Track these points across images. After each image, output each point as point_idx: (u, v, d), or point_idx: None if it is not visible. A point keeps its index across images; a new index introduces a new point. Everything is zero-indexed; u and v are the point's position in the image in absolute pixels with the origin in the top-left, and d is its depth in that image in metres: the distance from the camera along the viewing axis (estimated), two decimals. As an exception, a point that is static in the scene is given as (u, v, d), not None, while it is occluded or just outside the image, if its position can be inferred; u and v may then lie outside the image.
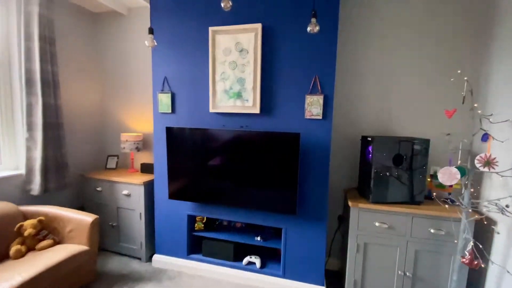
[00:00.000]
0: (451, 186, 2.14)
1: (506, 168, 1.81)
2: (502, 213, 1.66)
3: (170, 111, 2.65)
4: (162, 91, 2.66)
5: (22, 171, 2.63)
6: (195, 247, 2.84)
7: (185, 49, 2.55)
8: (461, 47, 2.33)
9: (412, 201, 2.16)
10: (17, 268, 1.95)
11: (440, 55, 2.39)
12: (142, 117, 3.35)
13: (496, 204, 1.69)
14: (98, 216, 2.44)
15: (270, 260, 2.72)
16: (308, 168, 2.36)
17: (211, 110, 2.50)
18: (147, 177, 2.93)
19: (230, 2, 1.55)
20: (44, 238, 2.31)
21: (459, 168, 1.76)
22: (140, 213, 2.86)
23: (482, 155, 1.70)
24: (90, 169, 3.43)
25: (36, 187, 2.61)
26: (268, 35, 2.32)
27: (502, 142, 1.80)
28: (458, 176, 1.74)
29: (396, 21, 2.48)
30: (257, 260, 2.62)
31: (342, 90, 2.67)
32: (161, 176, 2.77)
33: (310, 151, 2.34)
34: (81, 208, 3.02)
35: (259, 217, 2.54)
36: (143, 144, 3.26)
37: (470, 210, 1.77)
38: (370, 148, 2.20)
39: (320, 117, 2.26)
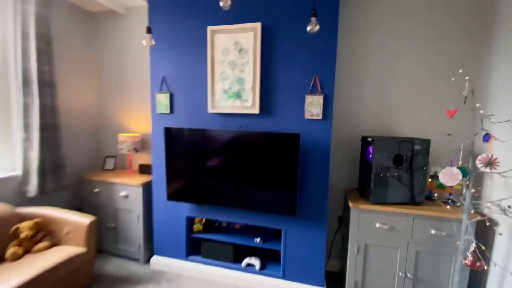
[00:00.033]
0: (451, 186, 2.12)
1: (508, 168, 1.79)
2: (505, 214, 1.65)
3: (168, 112, 2.63)
4: (161, 91, 2.63)
5: (18, 172, 2.59)
6: (194, 248, 2.81)
7: (183, 48, 2.53)
8: (461, 46, 2.32)
9: (412, 201, 2.15)
10: (14, 271, 1.92)
11: (440, 55, 2.38)
12: (140, 118, 3.32)
13: (498, 205, 1.67)
14: (95, 218, 2.41)
15: (270, 261, 2.70)
16: (308, 168, 2.34)
17: (210, 110, 2.48)
18: (145, 178, 2.90)
19: (229, 1, 1.52)
20: (41, 240, 2.29)
21: (460, 168, 1.75)
22: (138, 215, 2.83)
23: (484, 155, 1.68)
24: (87, 170, 3.40)
25: (32, 188, 2.58)
26: (268, 34, 2.30)
27: (504, 142, 1.79)
28: (460, 176, 1.73)
29: (396, 20, 2.46)
30: (256, 262, 2.60)
31: (342, 90, 2.65)
32: (159, 177, 2.74)
33: (310, 152, 2.32)
34: (79, 209, 2.98)
35: (258, 218, 2.52)
36: (141, 145, 3.24)
37: (472, 211, 1.76)
38: (370, 149, 2.18)
39: (320, 117, 2.24)
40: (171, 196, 2.58)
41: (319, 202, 2.35)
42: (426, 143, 2.09)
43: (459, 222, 1.93)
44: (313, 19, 1.68)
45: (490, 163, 1.66)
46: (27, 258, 2.11)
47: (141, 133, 3.29)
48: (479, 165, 1.69)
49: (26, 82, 2.52)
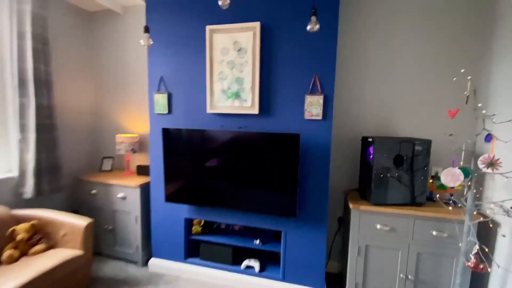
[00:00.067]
0: (453, 187, 2.10)
1: (510, 169, 1.78)
2: (508, 215, 1.63)
3: (166, 112, 2.60)
4: (158, 91, 2.61)
5: (14, 173, 2.56)
6: (193, 250, 2.78)
7: (181, 48, 2.50)
8: (462, 46, 2.31)
9: (413, 202, 2.13)
10: (10, 274, 1.90)
11: (441, 54, 2.36)
12: (138, 118, 3.29)
13: (501, 206, 1.66)
14: (92, 220, 2.38)
15: (270, 263, 2.67)
16: (308, 169, 2.32)
17: (209, 110, 2.45)
18: (143, 180, 2.87)
19: (228, -1, 1.50)
20: (37, 243, 2.26)
21: (462, 169, 1.73)
22: (136, 216, 2.80)
23: (486, 155, 1.66)
24: (84, 172, 3.37)
25: (29, 190, 2.55)
26: (267, 34, 2.28)
27: (506, 142, 1.77)
28: (462, 177, 1.71)
29: (397, 20, 2.45)
30: (256, 264, 2.57)
31: (342, 90, 2.63)
32: (157, 178, 2.71)
33: (310, 152, 2.30)
34: (76, 211, 2.96)
35: (258, 220, 2.50)
36: (139, 146, 3.21)
37: (475, 213, 1.74)
38: (370, 149, 2.16)
39: (320, 118, 2.22)
40: (169, 198, 2.55)
41: (319, 203, 2.33)
42: (427, 143, 2.08)
43: (461, 223, 1.91)
44: (313, 18, 1.66)
45: (492, 163, 1.65)
46: (23, 261, 2.08)
47: (139, 134, 3.26)
48: (481, 165, 1.67)
49: (22, 82, 2.48)
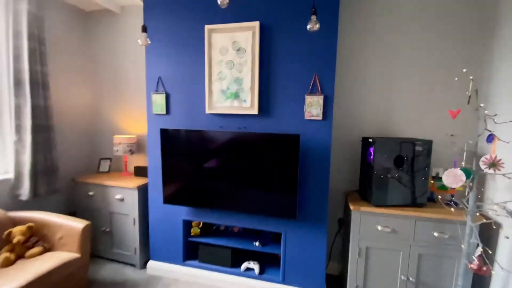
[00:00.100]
0: (454, 188, 2.09)
1: (512, 169, 1.76)
2: (511, 217, 1.61)
3: (164, 112, 2.57)
4: (156, 91, 2.58)
5: (10, 175, 2.53)
6: (191, 253, 2.76)
7: (180, 48, 2.48)
8: (462, 46, 2.30)
9: (414, 203, 2.12)
10: (6, 277, 1.87)
11: (442, 54, 2.35)
12: (136, 119, 3.26)
13: (504, 207, 1.64)
14: (89, 222, 2.35)
15: (269, 265, 2.64)
16: (308, 170, 2.30)
17: (208, 111, 2.43)
18: (141, 181, 2.84)
19: (227, -2, 1.48)
20: (33, 245, 2.23)
21: (464, 170, 1.71)
22: (134, 218, 2.77)
23: (488, 156, 1.65)
24: (81, 173, 3.33)
25: (25, 192, 2.52)
26: (266, 33, 2.26)
27: (508, 143, 1.75)
28: (464, 178, 1.69)
29: (397, 20, 2.43)
30: (255, 266, 2.55)
31: (342, 90, 2.61)
32: (155, 179, 2.68)
33: (310, 153, 2.28)
34: (73, 213, 2.92)
35: (257, 221, 2.47)
36: (137, 147, 3.18)
37: (478, 214, 1.72)
38: (371, 150, 2.15)
39: (320, 118, 2.20)
40: (168, 199, 2.52)
41: (319, 204, 2.31)
42: (427, 144, 2.06)
43: (463, 224, 1.89)
44: (313, 17, 1.64)
45: (494, 164, 1.63)
46: (20, 263, 2.06)
47: (137, 135, 3.23)
48: (483, 166, 1.66)
49: (18, 83, 2.45)
